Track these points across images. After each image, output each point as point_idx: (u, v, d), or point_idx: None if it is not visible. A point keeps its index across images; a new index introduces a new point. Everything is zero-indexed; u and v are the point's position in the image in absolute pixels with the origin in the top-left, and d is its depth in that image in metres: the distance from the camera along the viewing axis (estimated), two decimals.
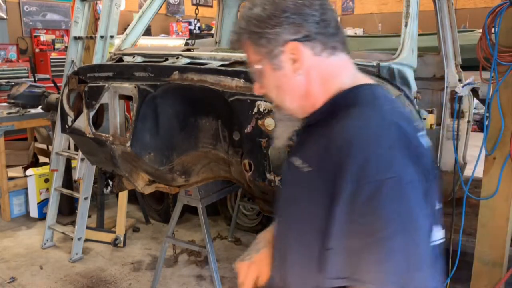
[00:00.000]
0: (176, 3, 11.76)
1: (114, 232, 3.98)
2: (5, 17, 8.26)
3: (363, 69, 2.19)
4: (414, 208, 0.87)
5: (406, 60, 2.22)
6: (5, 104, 4.77)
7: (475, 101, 3.34)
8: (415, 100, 2.27)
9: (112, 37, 3.67)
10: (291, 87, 1.04)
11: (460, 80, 3.01)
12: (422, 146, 0.96)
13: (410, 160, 0.88)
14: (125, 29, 3.09)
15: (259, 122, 2.17)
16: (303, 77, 1.02)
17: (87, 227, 3.87)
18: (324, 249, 0.91)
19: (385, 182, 0.85)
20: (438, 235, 0.97)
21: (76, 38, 3.91)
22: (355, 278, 0.87)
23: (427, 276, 0.87)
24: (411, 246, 0.86)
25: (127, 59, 2.69)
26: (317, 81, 1.02)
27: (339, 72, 1.03)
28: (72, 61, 3.89)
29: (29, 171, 4.41)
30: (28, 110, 4.51)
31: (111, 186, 4.39)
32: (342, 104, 1.00)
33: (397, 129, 0.92)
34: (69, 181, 4.24)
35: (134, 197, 4.37)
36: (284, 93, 1.07)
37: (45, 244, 3.92)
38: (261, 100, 2.16)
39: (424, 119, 2.29)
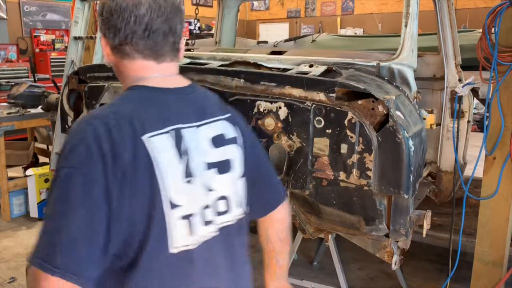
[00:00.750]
0: None
1: None
2: (5, 17, 8.26)
3: (363, 69, 2.20)
4: (70, 198, 0.96)
5: (406, 60, 2.23)
6: (5, 104, 4.77)
7: (475, 101, 3.34)
8: (415, 100, 2.28)
9: None
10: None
11: (460, 80, 3.01)
12: (131, 148, 1.01)
13: (97, 158, 0.98)
14: None
15: (259, 122, 2.17)
16: (115, 69, 1.21)
17: None
18: None
19: (62, 170, 0.99)
20: (185, 241, 1.08)
21: (76, 38, 3.90)
22: None
23: (73, 261, 0.94)
24: (58, 230, 0.95)
25: None
26: (120, 76, 1.21)
27: (129, 73, 1.17)
28: (72, 61, 3.89)
29: (29, 171, 4.42)
30: (28, 110, 4.51)
31: None
32: None
33: (99, 128, 1.01)
34: None
35: None
36: None
37: None
38: (261, 100, 2.16)
39: (424, 119, 2.29)
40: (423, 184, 3.13)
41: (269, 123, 2.14)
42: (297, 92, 2.08)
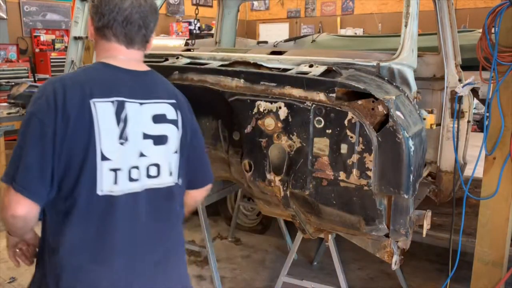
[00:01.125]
0: (176, 3, 11.75)
1: None
2: (5, 17, 8.26)
3: (363, 69, 2.20)
4: (29, 135, 1.30)
5: (406, 60, 2.22)
6: (5, 104, 4.77)
7: (475, 101, 3.34)
8: (415, 100, 2.27)
9: None
10: None
11: (460, 80, 3.01)
12: (78, 106, 1.32)
13: (52, 109, 1.30)
14: None
15: (259, 122, 2.17)
16: (94, 46, 1.50)
17: None
18: None
19: (27, 114, 1.33)
20: (110, 187, 1.35)
21: (76, 38, 3.90)
22: None
23: (28, 181, 1.30)
24: (20, 157, 1.30)
25: None
26: (96, 51, 1.50)
27: (103, 51, 1.47)
28: (72, 61, 3.88)
29: None
30: None
31: None
32: None
33: (57, 88, 1.33)
34: None
35: None
36: None
37: None
38: (261, 100, 2.16)
39: (424, 119, 2.29)
40: (423, 184, 3.13)
41: (269, 123, 2.14)
42: (297, 92, 2.08)
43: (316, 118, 2.04)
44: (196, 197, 1.72)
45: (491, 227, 2.42)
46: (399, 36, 2.28)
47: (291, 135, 2.11)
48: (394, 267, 2.22)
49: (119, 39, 1.44)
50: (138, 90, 1.44)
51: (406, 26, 2.24)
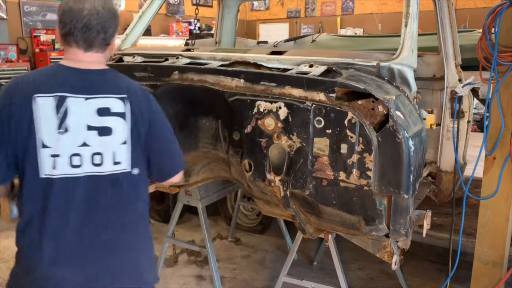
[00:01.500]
0: (176, 3, 11.75)
1: None
2: (5, 17, 8.26)
3: (363, 69, 2.20)
4: None
5: (406, 60, 2.22)
6: None
7: (475, 101, 3.34)
8: (415, 100, 2.27)
9: None
10: None
11: (460, 80, 3.01)
12: (24, 100, 1.53)
13: (6, 102, 1.53)
14: (125, 29, 3.08)
15: (259, 122, 2.17)
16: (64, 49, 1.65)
17: None
18: None
19: None
20: (50, 171, 1.53)
21: None
22: None
23: None
24: None
25: (127, 59, 2.70)
26: (64, 56, 1.66)
27: (66, 55, 1.64)
28: None
29: None
30: None
31: None
32: None
33: (13, 84, 1.57)
34: None
35: None
36: None
37: None
38: (261, 100, 2.16)
39: (424, 119, 2.29)
40: (423, 184, 3.13)
41: (269, 123, 2.14)
42: (297, 92, 2.08)
43: (316, 118, 2.04)
44: (169, 183, 1.87)
45: (491, 227, 2.42)
46: (399, 36, 2.28)
47: (291, 135, 2.11)
48: (394, 267, 2.22)
49: (78, 44, 1.60)
50: (85, 87, 1.60)
51: (406, 26, 2.24)
